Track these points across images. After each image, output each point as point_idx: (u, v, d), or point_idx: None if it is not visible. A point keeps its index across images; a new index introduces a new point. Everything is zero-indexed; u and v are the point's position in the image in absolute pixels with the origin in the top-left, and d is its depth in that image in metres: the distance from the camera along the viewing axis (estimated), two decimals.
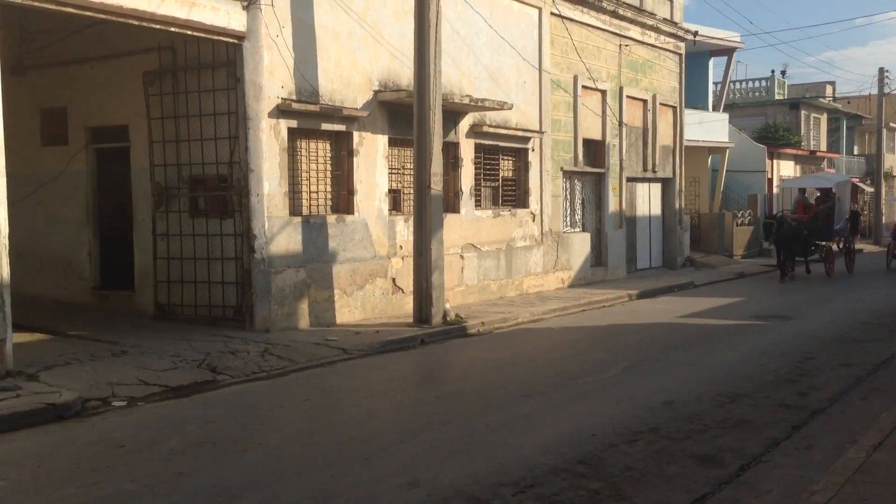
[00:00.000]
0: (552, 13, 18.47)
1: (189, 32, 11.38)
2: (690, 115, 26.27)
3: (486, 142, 16.72)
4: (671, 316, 15.15)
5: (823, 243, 22.98)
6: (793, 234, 20.98)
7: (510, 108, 16.59)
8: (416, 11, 13.07)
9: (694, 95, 28.71)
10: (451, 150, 15.58)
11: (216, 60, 12.26)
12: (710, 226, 28.91)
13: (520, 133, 17.50)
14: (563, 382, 9.57)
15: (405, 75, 14.23)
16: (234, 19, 11.65)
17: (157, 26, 10.88)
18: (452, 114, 15.27)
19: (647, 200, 23.41)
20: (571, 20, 19.14)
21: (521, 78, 17.68)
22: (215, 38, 11.73)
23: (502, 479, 6.11)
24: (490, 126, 16.53)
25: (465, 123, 16.00)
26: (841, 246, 24.30)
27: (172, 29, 11.08)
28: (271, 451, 6.89)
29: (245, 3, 11.73)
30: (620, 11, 21.05)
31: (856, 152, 49.10)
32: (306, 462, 6.58)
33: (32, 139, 14.94)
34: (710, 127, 28.63)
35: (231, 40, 11.83)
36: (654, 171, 23.21)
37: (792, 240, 21.16)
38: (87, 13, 10.14)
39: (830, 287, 20.42)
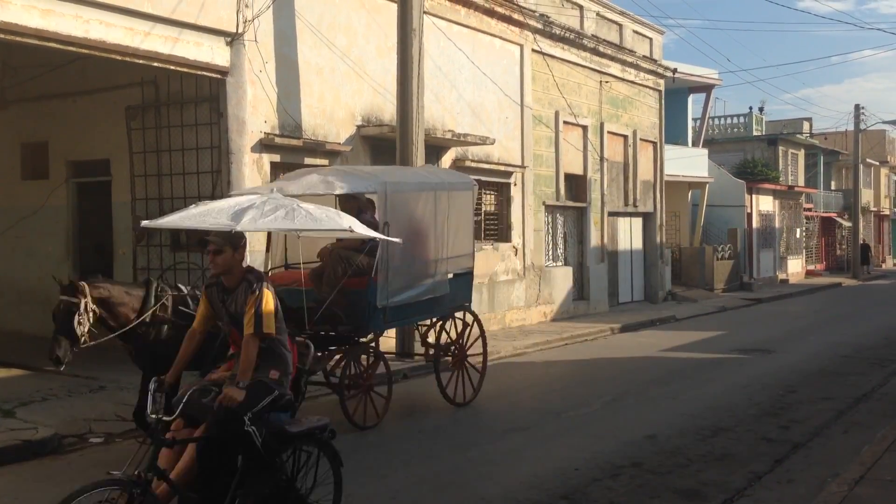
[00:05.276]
0: (533, 50, 18.69)
1: (172, 67, 11.41)
2: (670, 151, 26.54)
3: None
4: (653, 350, 15.17)
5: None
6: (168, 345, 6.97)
7: (492, 143, 16.70)
8: (399, 48, 13.19)
9: (674, 131, 29.01)
10: None
11: (199, 95, 12.28)
12: (690, 260, 29.08)
13: (502, 168, 17.60)
14: (546, 416, 9.54)
15: (388, 110, 14.31)
16: (218, 55, 11.70)
17: (141, 61, 10.91)
18: (435, 148, 15.34)
19: (629, 234, 23.55)
20: (553, 57, 19.37)
21: (503, 113, 17.83)
22: (199, 73, 11.76)
23: None
24: (472, 161, 16.61)
25: (447, 158, 16.08)
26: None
27: (156, 64, 11.12)
28: None
29: (229, 39, 11.79)
30: (601, 49, 21.33)
31: (833, 187, 49.75)
32: None
33: (12, 173, 14.87)
34: (689, 162, 28.91)
35: (214, 75, 11.87)
36: (635, 206, 23.38)
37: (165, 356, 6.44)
38: (71, 48, 10.16)
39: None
